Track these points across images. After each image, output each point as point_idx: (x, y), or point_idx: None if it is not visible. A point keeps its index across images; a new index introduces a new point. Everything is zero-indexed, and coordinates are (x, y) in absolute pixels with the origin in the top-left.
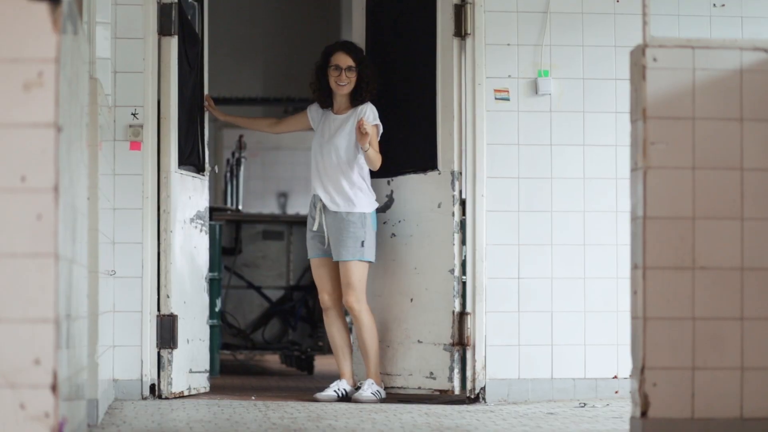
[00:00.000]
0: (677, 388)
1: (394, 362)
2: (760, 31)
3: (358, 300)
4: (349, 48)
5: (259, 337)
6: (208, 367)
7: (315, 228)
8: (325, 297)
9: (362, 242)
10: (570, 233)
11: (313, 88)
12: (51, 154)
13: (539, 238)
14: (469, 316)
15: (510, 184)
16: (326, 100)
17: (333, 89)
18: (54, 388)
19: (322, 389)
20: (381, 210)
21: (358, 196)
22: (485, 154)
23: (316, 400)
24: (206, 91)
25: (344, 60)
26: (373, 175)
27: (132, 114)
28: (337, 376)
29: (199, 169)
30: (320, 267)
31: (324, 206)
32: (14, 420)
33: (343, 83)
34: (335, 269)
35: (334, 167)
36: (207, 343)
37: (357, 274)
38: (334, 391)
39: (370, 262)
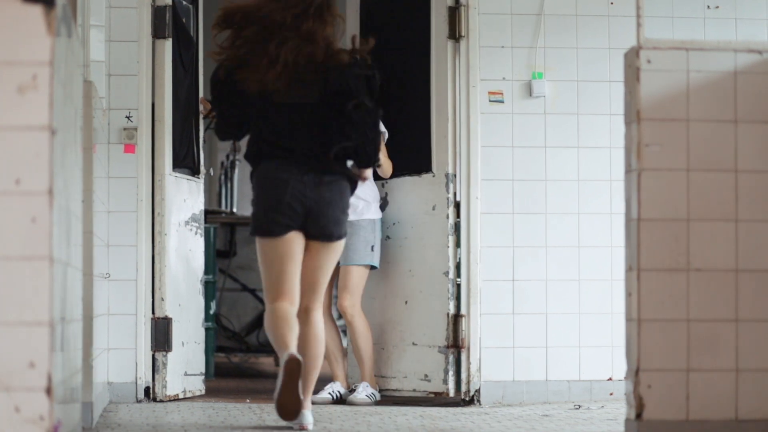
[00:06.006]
0: (672, 389)
1: (389, 365)
2: (754, 32)
3: (352, 305)
4: None
5: (253, 340)
6: (203, 370)
7: None
8: None
9: (372, 246)
10: (564, 235)
11: None
12: (45, 157)
13: (534, 240)
14: (463, 318)
15: (504, 186)
16: None
17: None
18: (49, 391)
19: (316, 392)
20: None
21: (367, 204)
22: (479, 157)
23: (312, 403)
24: (201, 93)
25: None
26: None
27: (126, 117)
28: (330, 379)
29: (194, 171)
30: None
31: None
32: (9, 423)
33: None
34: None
35: None
36: (202, 345)
37: (357, 278)
38: (329, 393)
39: (373, 268)
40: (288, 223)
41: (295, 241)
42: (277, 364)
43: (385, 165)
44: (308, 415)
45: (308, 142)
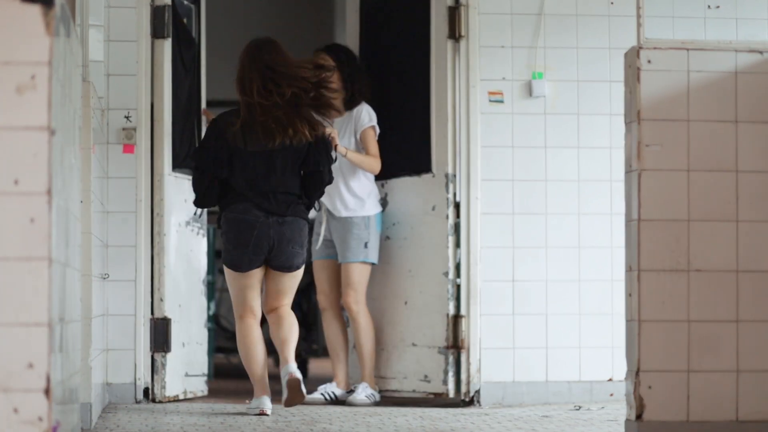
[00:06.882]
0: (672, 390)
1: (389, 365)
2: (755, 32)
3: (356, 301)
4: (331, 48)
5: None
6: (206, 371)
7: (320, 231)
8: (322, 298)
9: (365, 243)
10: (565, 236)
11: None
12: (44, 157)
13: (534, 241)
14: (463, 319)
15: (504, 186)
16: None
17: None
18: (47, 392)
19: (310, 392)
20: None
21: (360, 201)
22: (479, 157)
23: (303, 403)
24: (203, 93)
25: (324, 60)
26: None
27: (125, 117)
28: (330, 379)
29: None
30: (321, 268)
31: (329, 210)
32: (7, 424)
33: None
34: (335, 271)
35: (335, 173)
36: (204, 346)
37: (357, 275)
38: (321, 394)
39: (372, 264)
40: (252, 259)
41: (257, 274)
42: (276, 365)
43: (368, 163)
44: (293, 366)
45: (278, 189)
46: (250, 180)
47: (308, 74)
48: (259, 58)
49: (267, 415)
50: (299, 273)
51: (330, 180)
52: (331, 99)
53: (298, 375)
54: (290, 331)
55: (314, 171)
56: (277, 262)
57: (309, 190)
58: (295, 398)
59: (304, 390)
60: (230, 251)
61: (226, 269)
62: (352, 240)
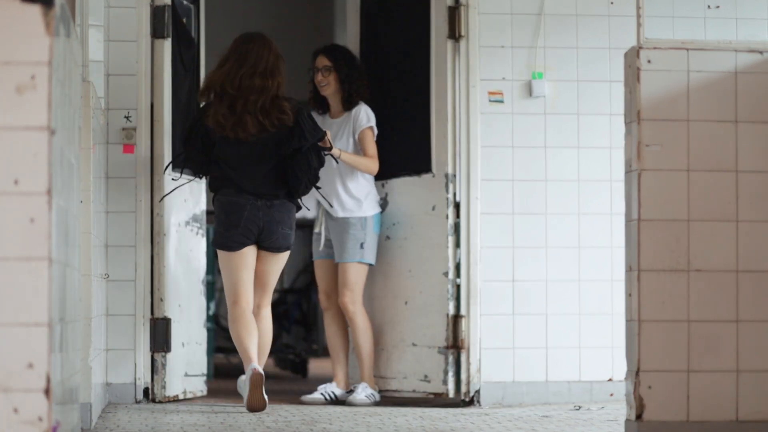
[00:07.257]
0: (672, 390)
1: (389, 365)
2: (755, 32)
3: (353, 302)
4: (328, 49)
5: None
6: (205, 371)
7: (317, 230)
8: (323, 298)
9: (362, 244)
10: (564, 236)
11: (311, 95)
12: (44, 157)
13: (534, 241)
14: (463, 318)
15: (504, 186)
16: (322, 106)
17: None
18: (47, 392)
19: (310, 391)
20: None
21: (357, 202)
22: (479, 157)
23: (303, 403)
24: None
25: (321, 61)
26: None
27: (125, 117)
28: (330, 379)
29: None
30: (320, 268)
31: (326, 211)
32: (7, 424)
33: (322, 84)
34: (334, 271)
35: (332, 173)
36: (204, 346)
37: (354, 275)
38: (321, 394)
39: (369, 264)
40: (243, 240)
41: (248, 253)
42: (276, 365)
43: (363, 164)
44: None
45: (260, 174)
46: (235, 166)
47: (269, 84)
48: (239, 54)
49: (261, 374)
50: (285, 255)
51: (320, 163)
52: (277, 115)
53: (261, 371)
54: (266, 343)
55: (295, 151)
56: (267, 243)
57: (296, 176)
58: (254, 398)
59: (265, 396)
60: (221, 233)
61: (219, 254)
62: (348, 240)
